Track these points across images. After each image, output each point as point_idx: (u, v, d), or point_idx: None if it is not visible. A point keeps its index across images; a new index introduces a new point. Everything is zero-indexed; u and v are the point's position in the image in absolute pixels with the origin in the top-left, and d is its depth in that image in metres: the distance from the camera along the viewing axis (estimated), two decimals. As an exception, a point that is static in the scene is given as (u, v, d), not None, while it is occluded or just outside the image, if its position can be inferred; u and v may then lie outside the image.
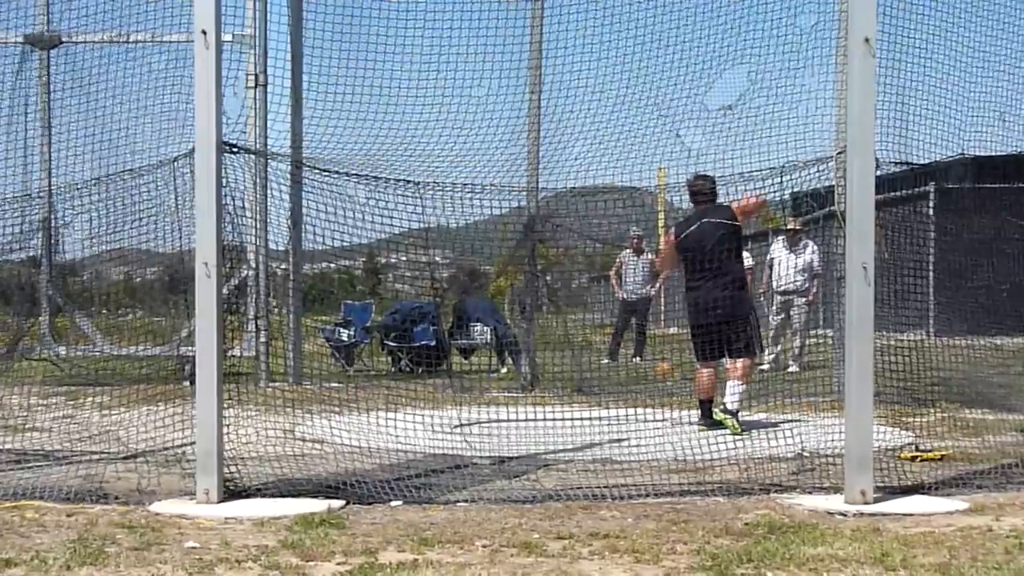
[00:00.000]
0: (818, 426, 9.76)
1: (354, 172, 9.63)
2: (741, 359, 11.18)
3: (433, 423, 9.90)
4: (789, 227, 18.28)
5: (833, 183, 9.81)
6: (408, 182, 9.74)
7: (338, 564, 5.94)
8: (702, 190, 11.20)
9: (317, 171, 9.56)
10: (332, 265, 18.79)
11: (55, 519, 7.09)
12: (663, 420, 11.22)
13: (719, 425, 10.83)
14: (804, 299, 18.46)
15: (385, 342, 19.40)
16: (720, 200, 11.15)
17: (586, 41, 12.71)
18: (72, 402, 11.96)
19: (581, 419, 10.58)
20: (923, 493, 7.83)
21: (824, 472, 8.39)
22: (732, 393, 11.05)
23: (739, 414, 10.97)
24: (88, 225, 10.81)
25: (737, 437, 10.13)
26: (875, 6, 7.71)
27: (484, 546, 6.34)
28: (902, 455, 9.08)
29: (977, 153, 10.61)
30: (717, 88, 11.83)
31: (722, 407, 11.03)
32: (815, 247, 18.53)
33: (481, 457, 9.25)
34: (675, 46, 12.14)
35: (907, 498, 7.66)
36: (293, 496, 7.70)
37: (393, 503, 7.60)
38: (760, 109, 11.20)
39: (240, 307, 15.48)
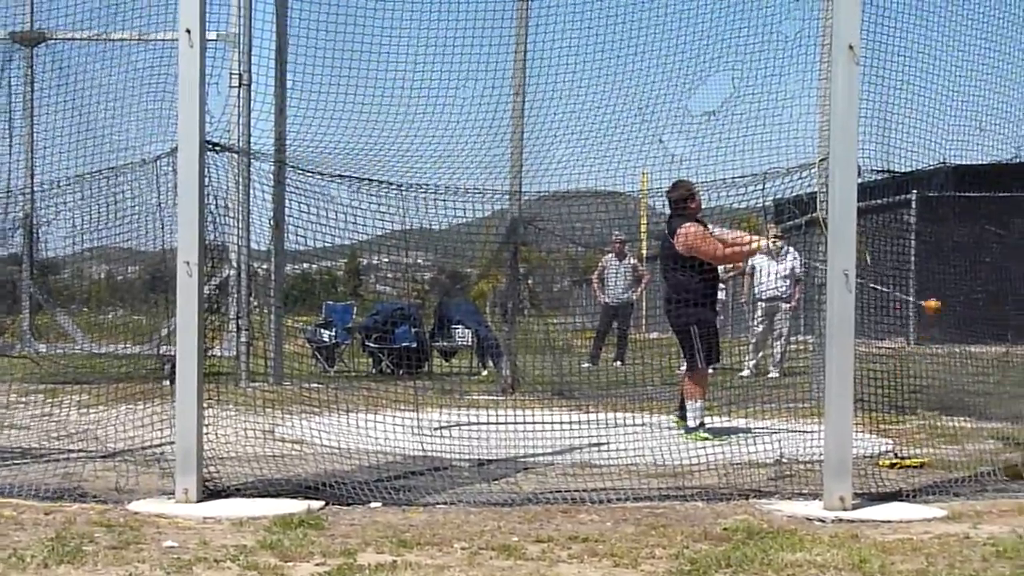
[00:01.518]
0: (797, 432, 9.77)
1: (337, 173, 9.63)
2: (688, 373, 11.16)
3: (413, 425, 9.89)
4: (770, 234, 18.32)
5: (816, 189, 9.84)
6: (391, 184, 9.74)
7: (316, 565, 5.94)
8: (669, 196, 11.17)
9: (300, 171, 9.56)
10: (314, 266, 18.79)
11: (33, 517, 7.07)
12: (643, 424, 11.22)
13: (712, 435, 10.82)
14: (788, 305, 18.52)
15: (366, 343, 19.41)
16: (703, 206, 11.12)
17: (570, 45, 12.74)
18: (51, 400, 11.92)
19: (561, 422, 10.58)
20: (902, 500, 7.84)
21: (803, 478, 8.41)
22: (690, 411, 11.05)
23: (703, 426, 10.97)
24: (70, 223, 10.79)
25: (716, 442, 10.14)
26: (860, 14, 7.73)
27: (463, 548, 6.34)
28: (881, 462, 9.10)
29: (958, 161, 10.65)
30: (701, 93, 11.88)
31: (684, 428, 11.06)
32: (796, 253, 18.59)
33: (461, 459, 9.24)
34: (659, 51, 12.19)
35: (886, 505, 7.68)
36: (272, 496, 7.70)
37: (372, 504, 7.60)
38: (743, 115, 11.24)
39: (222, 307, 15.47)
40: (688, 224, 10.93)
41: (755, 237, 11.59)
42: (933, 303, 11.60)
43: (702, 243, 10.91)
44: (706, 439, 10.47)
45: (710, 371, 11.72)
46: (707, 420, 11.13)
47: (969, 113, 10.33)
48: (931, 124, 9.68)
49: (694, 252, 10.94)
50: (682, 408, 11.24)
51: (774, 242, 17.88)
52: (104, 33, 14.48)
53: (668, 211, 11.24)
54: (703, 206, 11.14)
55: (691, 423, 10.99)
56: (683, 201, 11.02)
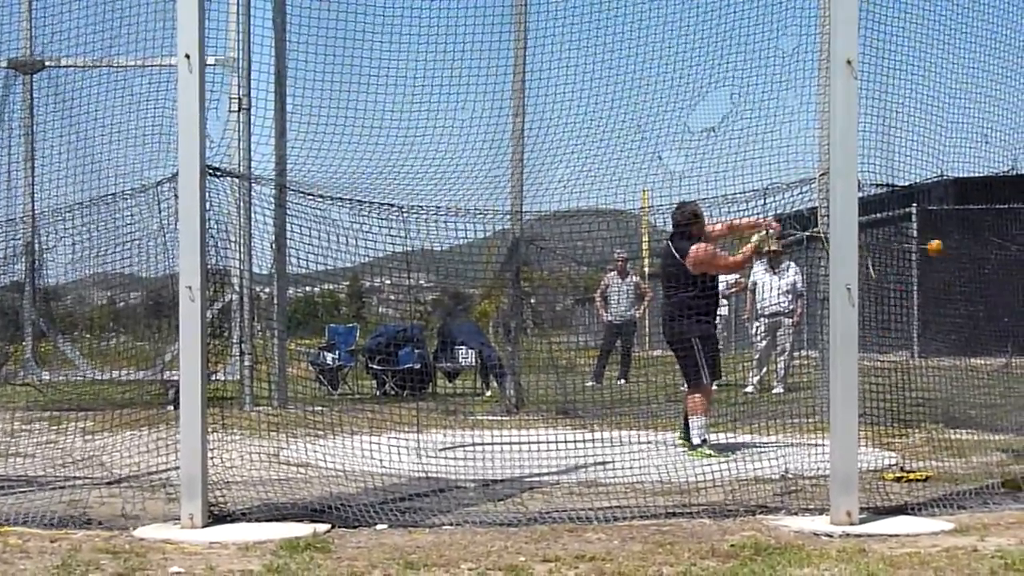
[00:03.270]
0: (803, 447, 9.76)
1: (338, 196, 9.64)
2: (691, 391, 11.19)
3: (418, 446, 9.88)
4: (770, 248, 18.32)
5: (816, 204, 9.85)
6: (392, 206, 9.75)
7: (323, 588, 5.93)
8: (673, 217, 11.24)
9: (301, 195, 9.57)
10: (316, 289, 18.80)
11: (38, 545, 7.06)
12: (648, 442, 11.21)
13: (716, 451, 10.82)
14: (791, 320, 18.51)
15: (370, 365, 19.40)
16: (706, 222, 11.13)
17: (569, 64, 12.76)
18: (55, 427, 11.92)
19: (566, 441, 10.56)
20: (908, 513, 7.84)
21: (809, 493, 8.40)
22: (693, 428, 11.08)
23: (706, 442, 10.98)
24: (72, 249, 10.80)
25: (720, 459, 10.12)
26: (857, 28, 7.74)
27: (470, 569, 6.33)
28: (886, 476, 9.09)
29: (957, 174, 10.66)
30: (700, 110, 11.88)
31: (688, 445, 11.07)
32: (797, 267, 18.59)
33: (466, 480, 9.23)
34: (658, 68, 12.19)
35: (892, 519, 7.67)
36: (278, 520, 7.69)
37: (378, 526, 7.59)
38: (743, 131, 11.24)
39: (224, 331, 15.47)
40: (699, 245, 11.01)
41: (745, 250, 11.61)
42: (935, 243, 11.65)
43: (712, 258, 11.10)
44: (710, 455, 10.47)
45: (713, 387, 11.74)
46: (712, 437, 11.13)
47: (968, 125, 10.34)
48: (931, 137, 9.69)
49: (705, 268, 11.07)
50: (686, 427, 11.25)
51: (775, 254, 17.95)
52: (103, 59, 14.50)
53: (672, 230, 11.26)
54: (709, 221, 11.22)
55: (695, 440, 11.01)
56: (686, 224, 11.07)
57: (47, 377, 17.11)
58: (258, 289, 15.88)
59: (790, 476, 9.01)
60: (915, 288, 11.89)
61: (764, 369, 18.56)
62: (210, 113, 8.08)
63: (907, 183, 9.83)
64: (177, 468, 7.87)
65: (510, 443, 10.56)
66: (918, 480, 9.04)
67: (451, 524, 7.66)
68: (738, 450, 10.62)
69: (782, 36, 11.51)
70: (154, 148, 11.69)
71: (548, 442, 10.39)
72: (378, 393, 18.90)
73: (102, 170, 12.42)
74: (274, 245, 11.47)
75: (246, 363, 15.32)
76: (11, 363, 16.80)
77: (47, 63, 16.25)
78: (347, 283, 19.38)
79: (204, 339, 7.65)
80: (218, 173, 8.26)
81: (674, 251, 11.09)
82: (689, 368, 11.10)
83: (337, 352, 19.51)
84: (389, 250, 10.21)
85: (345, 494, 8.45)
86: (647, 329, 23.29)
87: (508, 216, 13.88)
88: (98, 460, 9.69)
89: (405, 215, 9.79)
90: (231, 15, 15.53)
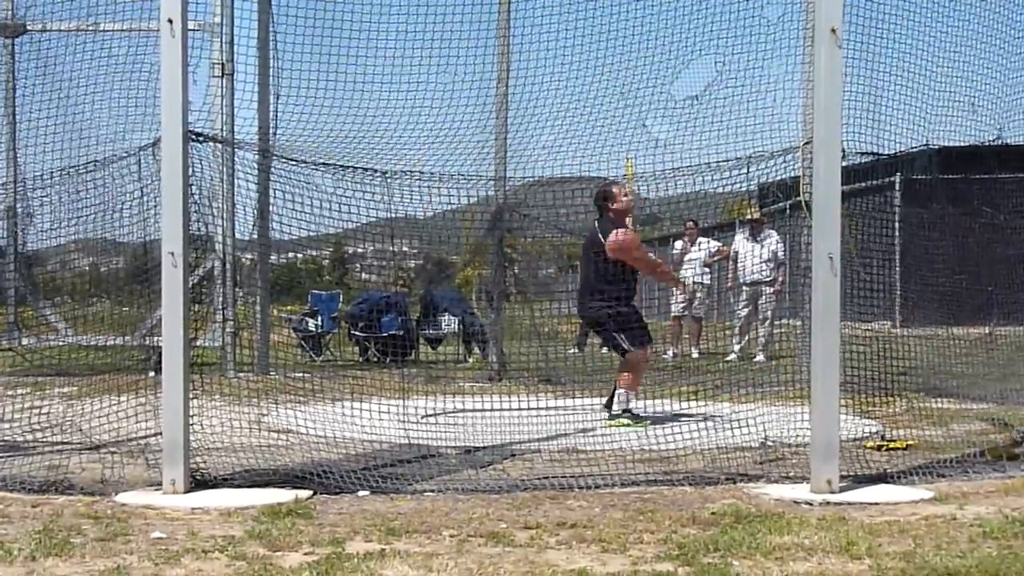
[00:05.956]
0: (784, 415, 9.79)
1: (321, 161, 9.61)
2: (621, 361, 11.16)
3: (400, 413, 9.89)
4: (752, 217, 18.37)
5: (799, 173, 9.84)
6: (375, 171, 9.73)
7: (305, 554, 5.93)
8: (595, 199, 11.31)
9: (283, 160, 9.54)
10: (299, 255, 18.78)
11: (20, 510, 7.05)
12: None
13: (633, 420, 10.72)
14: (772, 289, 18.55)
15: (353, 332, 19.42)
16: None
17: (554, 30, 12.73)
18: (37, 393, 11.89)
19: (548, 409, 10.58)
20: (888, 482, 7.86)
21: (790, 461, 8.42)
22: (617, 396, 11.02)
23: (628, 412, 10.87)
24: (54, 214, 10.76)
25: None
26: (842, -3, 7.73)
27: (451, 536, 6.33)
28: (867, 444, 9.12)
29: (941, 143, 10.65)
30: (684, 78, 11.87)
31: (610, 414, 11.01)
32: (778, 236, 18.62)
33: (448, 447, 9.24)
34: (643, 35, 12.18)
35: (872, 487, 7.69)
36: (260, 486, 7.68)
37: (360, 493, 7.60)
38: (727, 99, 11.23)
39: (207, 297, 15.44)
40: (622, 231, 11.07)
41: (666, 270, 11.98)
42: None
43: (633, 251, 11.20)
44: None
45: (649, 353, 11.64)
46: (693, 404, 11.12)
47: (952, 94, 10.33)
48: (916, 105, 9.68)
49: (622, 256, 11.06)
50: (611, 401, 11.15)
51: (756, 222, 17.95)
52: (85, 23, 14.41)
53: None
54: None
55: (615, 408, 10.95)
56: (601, 203, 11.18)
57: (29, 342, 17.07)
58: (241, 255, 15.85)
59: (771, 444, 9.03)
60: (897, 257, 11.89)
61: (746, 338, 18.61)
62: (192, 78, 8.03)
63: (891, 152, 9.82)
64: (159, 434, 7.86)
65: (492, 410, 10.59)
66: (899, 449, 9.07)
67: (433, 491, 7.67)
68: (719, 418, 10.64)
69: (767, 4, 11.50)
70: (136, 113, 11.65)
71: (530, 409, 10.41)
72: (361, 360, 18.92)
73: (84, 135, 12.36)
74: (257, 210, 11.43)
75: (228, 329, 15.31)
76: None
77: (29, 27, 16.16)
78: (330, 249, 19.34)
79: (187, 305, 7.64)
80: (201, 138, 8.23)
81: (602, 231, 11.14)
82: (609, 342, 11.13)
83: (320, 318, 19.53)
84: (372, 216, 10.19)
85: (327, 460, 8.45)
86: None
87: (491, 182, 13.86)
88: (79, 426, 9.67)
89: (388, 180, 9.77)
90: (213, -21, 15.44)
